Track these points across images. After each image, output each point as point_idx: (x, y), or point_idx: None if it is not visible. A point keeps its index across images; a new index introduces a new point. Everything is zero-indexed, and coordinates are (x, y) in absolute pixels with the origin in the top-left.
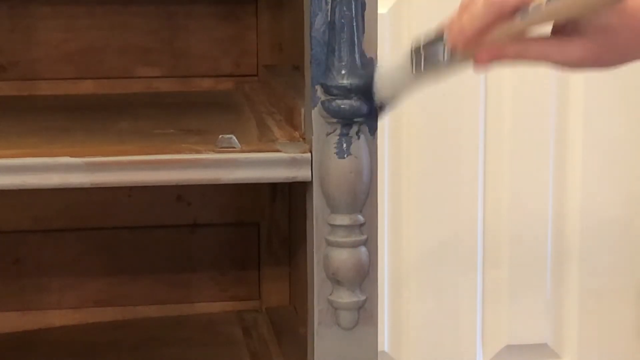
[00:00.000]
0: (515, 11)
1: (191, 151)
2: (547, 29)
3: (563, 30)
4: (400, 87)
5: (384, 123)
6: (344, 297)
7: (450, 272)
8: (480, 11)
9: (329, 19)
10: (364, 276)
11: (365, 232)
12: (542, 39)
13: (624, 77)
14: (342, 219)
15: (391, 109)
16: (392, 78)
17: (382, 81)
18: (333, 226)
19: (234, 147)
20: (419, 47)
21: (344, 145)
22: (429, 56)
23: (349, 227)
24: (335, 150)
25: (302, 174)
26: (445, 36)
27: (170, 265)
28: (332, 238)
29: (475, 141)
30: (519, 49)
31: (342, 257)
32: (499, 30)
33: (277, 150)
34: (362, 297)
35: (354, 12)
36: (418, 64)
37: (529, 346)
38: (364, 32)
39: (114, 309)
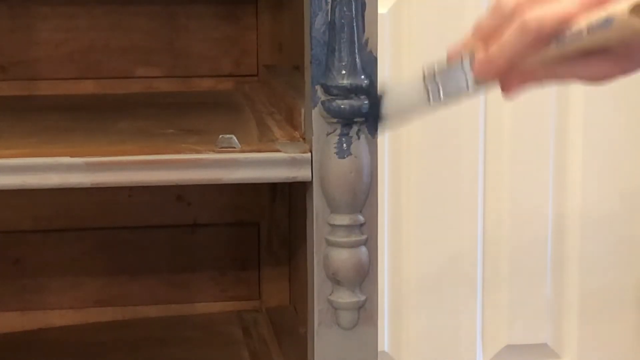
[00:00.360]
0: (551, 38)
1: (191, 151)
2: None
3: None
4: (411, 114)
5: None
6: (344, 297)
7: (451, 272)
8: (513, 40)
9: (329, 19)
10: (364, 276)
11: (365, 232)
12: (569, 58)
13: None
14: (342, 219)
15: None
16: (403, 106)
17: (392, 108)
18: (333, 226)
19: (234, 147)
20: (434, 76)
21: (344, 145)
22: (446, 85)
23: (349, 227)
24: (335, 150)
25: (302, 174)
26: (465, 64)
27: (170, 265)
28: (332, 238)
29: (476, 140)
30: (549, 71)
31: (342, 257)
32: (532, 58)
33: (277, 150)
34: (362, 297)
35: (354, 12)
36: (435, 94)
37: (529, 346)
38: (364, 32)
39: (114, 309)
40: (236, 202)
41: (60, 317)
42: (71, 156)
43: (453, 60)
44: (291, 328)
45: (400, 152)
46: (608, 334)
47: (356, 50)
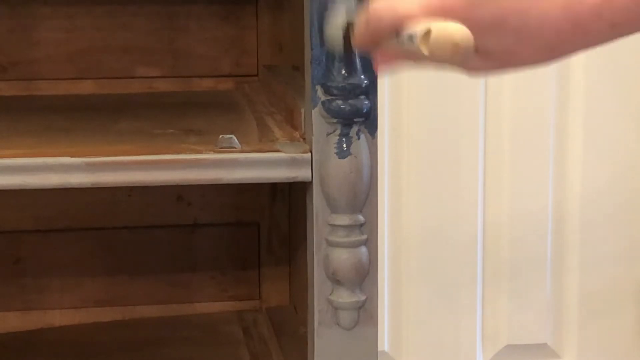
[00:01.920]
0: (389, 34)
1: (191, 151)
2: None
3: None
4: (339, 45)
5: (384, 123)
6: (344, 297)
7: (451, 273)
8: (361, 23)
9: None
10: (364, 276)
11: (365, 232)
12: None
13: (624, 76)
14: (342, 219)
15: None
16: (334, 33)
17: (328, 29)
18: (333, 226)
19: (234, 147)
20: (347, 24)
21: (344, 145)
22: (349, 35)
23: (349, 227)
24: (335, 151)
25: (302, 174)
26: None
27: (170, 265)
28: (332, 238)
29: (475, 141)
30: (413, 57)
31: (342, 257)
32: (387, 44)
33: (277, 151)
34: (362, 297)
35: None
36: (344, 38)
37: (529, 346)
38: None
39: (114, 309)
40: (236, 202)
41: (60, 317)
42: (71, 156)
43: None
44: (291, 328)
45: (400, 152)
46: (608, 334)
47: (356, 50)
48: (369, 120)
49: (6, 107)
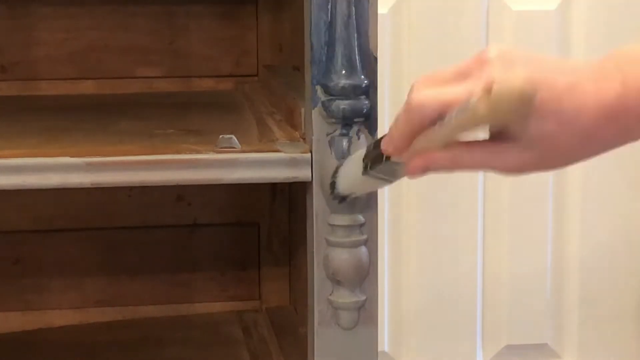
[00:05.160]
0: (435, 119)
1: (191, 151)
2: (483, 134)
3: (500, 135)
4: (356, 184)
5: (384, 123)
6: (344, 297)
7: (451, 272)
8: (401, 117)
9: (329, 19)
10: (364, 276)
11: (365, 232)
12: (477, 144)
13: None
14: (342, 219)
15: (351, 199)
16: (350, 174)
17: (342, 175)
18: (333, 226)
19: (234, 147)
20: (370, 146)
21: (344, 145)
22: (373, 160)
23: (349, 227)
24: (335, 151)
25: (302, 174)
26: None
27: (170, 265)
28: (332, 238)
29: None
30: (451, 156)
31: (342, 257)
32: (424, 138)
33: (277, 151)
34: (362, 297)
35: (354, 12)
36: (366, 166)
37: (529, 346)
38: (364, 32)
39: (114, 309)
40: (236, 202)
41: (60, 317)
42: (71, 156)
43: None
44: (291, 328)
45: None
46: (608, 334)
47: (356, 51)
48: (369, 120)
49: (6, 107)
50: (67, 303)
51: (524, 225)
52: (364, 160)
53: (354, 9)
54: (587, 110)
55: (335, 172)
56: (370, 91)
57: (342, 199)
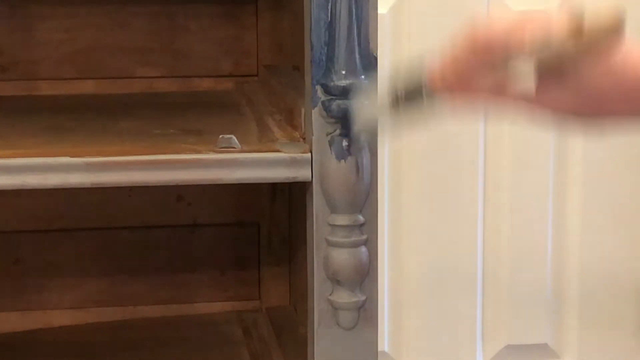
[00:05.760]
0: (500, 56)
1: (191, 151)
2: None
3: (546, 81)
4: (376, 122)
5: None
6: (344, 297)
7: (451, 272)
8: (463, 54)
9: (329, 19)
10: (364, 276)
11: (365, 232)
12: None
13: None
14: (342, 219)
15: (369, 139)
16: (369, 112)
17: (360, 113)
18: (333, 226)
19: (234, 147)
20: (398, 87)
21: (344, 145)
22: (408, 94)
23: (349, 227)
24: (335, 151)
25: (302, 174)
26: (424, 79)
27: (170, 265)
28: (332, 238)
29: (476, 139)
30: (501, 92)
31: (342, 257)
32: (482, 76)
33: (277, 151)
34: (362, 297)
35: (354, 12)
36: (396, 101)
37: (529, 346)
38: (364, 32)
39: (114, 309)
40: (236, 202)
41: (60, 317)
42: (71, 156)
43: (418, 74)
44: (291, 328)
45: (400, 152)
46: (608, 334)
47: (356, 50)
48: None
49: (6, 107)
50: (67, 303)
51: (524, 226)
52: (392, 90)
53: (354, 9)
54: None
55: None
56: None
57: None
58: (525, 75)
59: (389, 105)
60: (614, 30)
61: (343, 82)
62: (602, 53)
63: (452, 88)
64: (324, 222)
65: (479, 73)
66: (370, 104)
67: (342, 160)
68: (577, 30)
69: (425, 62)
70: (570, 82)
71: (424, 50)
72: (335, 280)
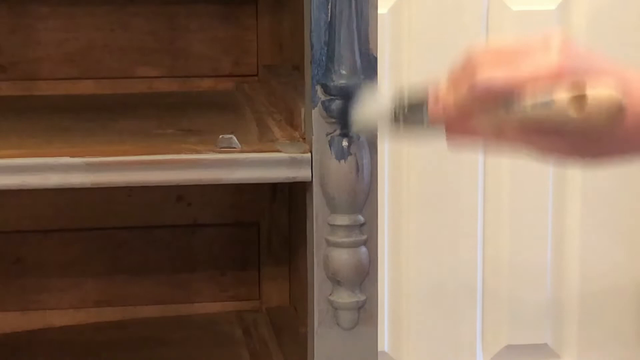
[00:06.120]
0: (500, 101)
1: (191, 151)
2: None
3: (543, 130)
4: (376, 127)
5: None
6: (344, 297)
7: (451, 272)
8: (464, 93)
9: (329, 19)
10: (364, 276)
11: (365, 232)
12: (520, 126)
13: None
14: (342, 219)
15: (368, 139)
16: (370, 115)
17: (359, 115)
18: (333, 226)
19: (234, 147)
20: (404, 103)
21: (344, 145)
22: (409, 115)
23: (349, 227)
24: (335, 151)
25: (302, 174)
26: (426, 104)
27: (170, 265)
28: (332, 238)
29: None
30: (500, 133)
31: (342, 257)
32: (481, 116)
33: (277, 151)
34: (362, 297)
35: (354, 12)
36: (397, 118)
37: (529, 346)
38: (363, 32)
39: (114, 309)
40: (236, 202)
41: (60, 317)
42: (71, 156)
43: (423, 96)
44: (291, 328)
45: (400, 152)
46: (608, 334)
47: (356, 50)
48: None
49: (6, 107)
50: (67, 303)
51: (524, 225)
52: (394, 109)
53: (354, 9)
54: None
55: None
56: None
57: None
58: (521, 122)
59: (389, 116)
60: (614, 114)
61: (343, 82)
62: (600, 129)
63: (451, 120)
64: (324, 222)
65: (477, 111)
66: (371, 109)
67: (342, 160)
68: (579, 104)
69: (429, 86)
70: (567, 134)
71: (429, 72)
72: (335, 280)
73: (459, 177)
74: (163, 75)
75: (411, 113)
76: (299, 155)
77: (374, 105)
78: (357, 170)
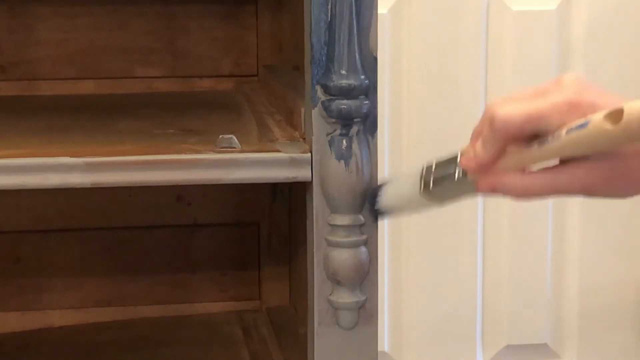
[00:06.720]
0: (520, 138)
1: (191, 151)
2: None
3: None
4: (406, 203)
5: (384, 123)
6: (344, 297)
7: (451, 271)
8: (487, 136)
9: (329, 19)
10: (364, 276)
11: (365, 232)
12: (548, 167)
13: None
14: (342, 219)
15: (391, 218)
16: (399, 192)
17: (389, 193)
18: (333, 226)
19: (234, 147)
20: (431, 167)
21: (344, 145)
22: (439, 177)
23: (349, 227)
24: (335, 151)
25: (302, 174)
26: (458, 159)
27: (170, 265)
28: (332, 238)
29: None
30: (524, 181)
31: (342, 257)
32: (511, 157)
33: (277, 151)
34: (362, 297)
35: (354, 12)
36: (427, 184)
37: (529, 346)
38: (363, 32)
39: (114, 309)
40: (236, 202)
41: (60, 317)
42: (71, 156)
43: (452, 156)
44: (291, 328)
45: (401, 152)
46: (608, 334)
47: (356, 51)
48: (369, 120)
49: (6, 107)
50: (67, 303)
51: (524, 226)
52: (423, 178)
53: (354, 9)
54: None
55: (377, 189)
56: (370, 91)
57: (382, 214)
58: (558, 151)
59: (419, 184)
60: None
61: (343, 82)
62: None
63: (482, 167)
64: (324, 222)
65: (506, 152)
66: (401, 184)
67: (342, 160)
68: (616, 116)
69: (458, 152)
70: (601, 162)
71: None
72: (335, 280)
73: None
74: (163, 75)
75: (441, 170)
76: (299, 155)
77: (400, 182)
78: (357, 170)
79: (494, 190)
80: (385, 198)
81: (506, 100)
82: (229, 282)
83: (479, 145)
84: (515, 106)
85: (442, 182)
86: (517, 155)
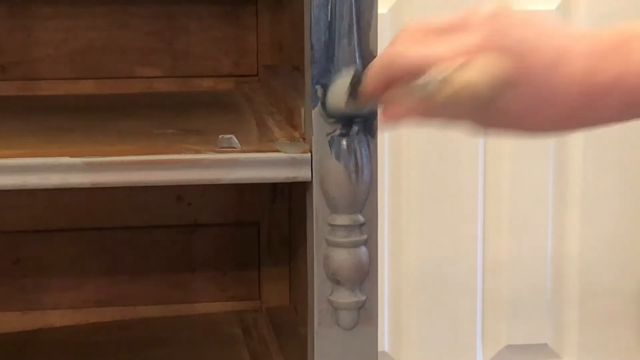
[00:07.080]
0: (413, 73)
1: (191, 151)
2: None
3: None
4: (342, 107)
5: None
6: (344, 297)
7: (451, 272)
8: (377, 66)
9: (329, 19)
10: (364, 276)
11: (365, 232)
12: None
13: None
14: (342, 219)
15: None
16: (336, 97)
17: (330, 96)
18: (333, 226)
19: (234, 147)
20: (354, 80)
21: (344, 145)
22: (356, 90)
23: (349, 227)
24: (335, 151)
25: (302, 174)
26: (362, 81)
27: (170, 265)
28: (332, 238)
29: (476, 140)
30: (429, 109)
31: (342, 257)
32: (401, 90)
33: (277, 151)
34: (362, 297)
35: (354, 12)
36: (350, 95)
37: (529, 346)
38: (364, 32)
39: (114, 309)
40: (236, 202)
41: (60, 317)
42: (71, 156)
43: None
44: (291, 328)
45: (400, 152)
46: (608, 334)
47: (356, 50)
48: (369, 120)
49: (6, 107)
50: (67, 303)
51: (524, 226)
52: (349, 85)
53: (354, 9)
54: (568, 90)
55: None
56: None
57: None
58: (419, 100)
59: (346, 94)
60: (492, 91)
61: None
62: (466, 104)
63: (372, 94)
64: (324, 222)
65: (398, 87)
66: (338, 88)
67: (342, 160)
68: (446, 84)
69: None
70: (478, 110)
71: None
72: (335, 280)
73: (459, 178)
74: (163, 75)
75: (354, 87)
76: (299, 155)
77: (340, 84)
78: (357, 170)
79: (396, 118)
80: (329, 103)
81: (415, 32)
82: (229, 282)
83: (370, 73)
84: (416, 49)
85: (357, 94)
86: (403, 89)
